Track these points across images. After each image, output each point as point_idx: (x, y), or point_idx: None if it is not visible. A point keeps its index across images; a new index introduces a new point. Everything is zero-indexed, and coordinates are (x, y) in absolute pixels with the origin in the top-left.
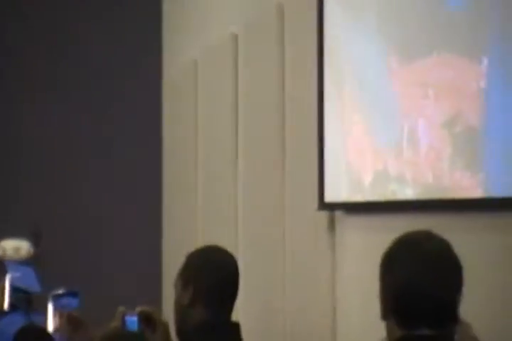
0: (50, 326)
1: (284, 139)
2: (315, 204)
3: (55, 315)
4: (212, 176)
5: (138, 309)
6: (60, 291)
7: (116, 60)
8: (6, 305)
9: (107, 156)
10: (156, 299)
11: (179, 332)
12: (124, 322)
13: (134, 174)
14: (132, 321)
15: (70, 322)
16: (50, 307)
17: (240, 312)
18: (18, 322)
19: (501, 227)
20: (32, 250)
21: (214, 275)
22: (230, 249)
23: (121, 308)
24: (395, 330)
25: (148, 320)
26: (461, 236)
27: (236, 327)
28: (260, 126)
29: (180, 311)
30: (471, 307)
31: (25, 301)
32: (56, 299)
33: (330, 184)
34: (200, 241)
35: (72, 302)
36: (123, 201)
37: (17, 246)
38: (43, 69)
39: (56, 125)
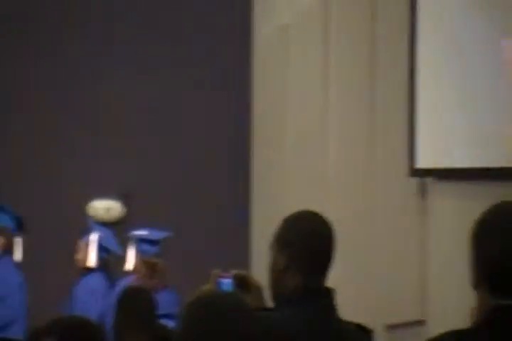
0: (128, 266)
1: (375, 104)
2: (406, 170)
3: (135, 257)
4: (301, 139)
5: (233, 272)
6: (143, 233)
7: (206, 25)
8: (92, 262)
9: (201, 118)
10: (245, 263)
11: (274, 296)
12: (218, 284)
13: (224, 134)
14: (226, 283)
15: (147, 268)
16: (131, 249)
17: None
18: (104, 280)
19: None
20: (122, 211)
21: (310, 240)
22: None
23: (215, 271)
24: (486, 299)
25: (242, 283)
26: None
27: (331, 292)
28: (350, 90)
29: (275, 276)
30: None
31: (107, 260)
32: (138, 242)
33: (421, 150)
34: (289, 204)
35: (152, 248)
36: (211, 161)
37: (108, 207)
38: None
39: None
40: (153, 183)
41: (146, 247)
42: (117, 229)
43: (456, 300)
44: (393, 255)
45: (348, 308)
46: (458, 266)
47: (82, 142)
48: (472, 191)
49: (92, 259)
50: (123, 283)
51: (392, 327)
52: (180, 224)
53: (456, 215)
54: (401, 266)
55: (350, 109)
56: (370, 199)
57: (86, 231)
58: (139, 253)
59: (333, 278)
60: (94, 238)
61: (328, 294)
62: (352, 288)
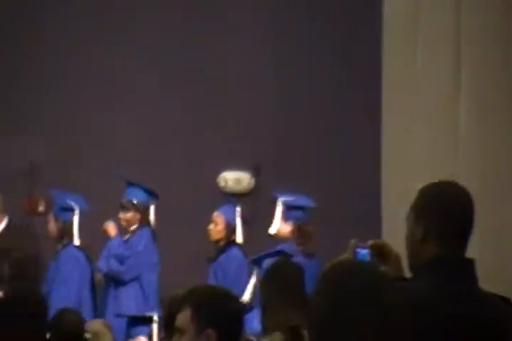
0: (273, 230)
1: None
2: None
3: (283, 222)
4: (430, 108)
5: (369, 242)
6: (293, 199)
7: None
8: (239, 239)
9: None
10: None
11: (412, 266)
12: (355, 254)
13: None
14: (363, 253)
15: (301, 234)
16: (279, 212)
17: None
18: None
19: None
20: (252, 182)
21: (447, 209)
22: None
23: (352, 241)
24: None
25: (381, 253)
26: None
27: (471, 263)
28: (483, 64)
29: (413, 246)
30: None
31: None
32: (287, 207)
33: None
34: (419, 171)
35: (303, 214)
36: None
37: (238, 178)
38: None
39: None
40: (284, 154)
41: (296, 213)
42: (247, 200)
43: None
44: None
45: (488, 282)
46: None
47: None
48: None
49: (238, 235)
50: (279, 247)
51: None
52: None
53: None
54: None
55: (483, 83)
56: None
57: (219, 203)
58: (289, 218)
59: (473, 251)
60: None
61: (467, 265)
62: (493, 260)
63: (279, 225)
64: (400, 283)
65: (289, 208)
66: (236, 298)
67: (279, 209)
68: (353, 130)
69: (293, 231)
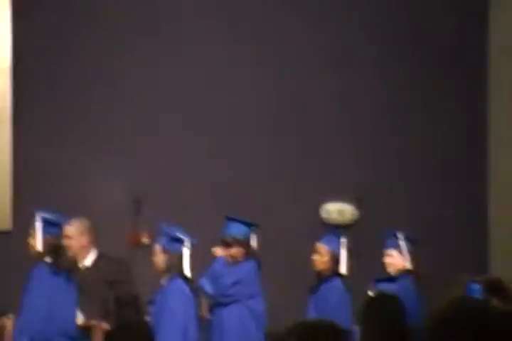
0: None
1: None
2: None
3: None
4: None
5: (481, 276)
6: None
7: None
8: (343, 270)
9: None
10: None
11: None
12: (466, 289)
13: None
14: (475, 289)
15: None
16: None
17: None
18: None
19: None
20: (355, 213)
21: None
22: None
23: (463, 275)
24: None
25: (496, 289)
26: None
27: None
28: None
29: None
30: None
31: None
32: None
33: None
34: None
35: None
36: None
37: (341, 209)
38: None
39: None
40: (385, 185)
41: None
42: (350, 231)
43: None
44: None
45: None
46: None
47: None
48: None
49: (342, 266)
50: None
51: None
52: (415, 227)
53: None
54: None
55: None
56: None
57: (324, 234)
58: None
59: None
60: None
61: None
62: None
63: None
64: None
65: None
66: (344, 331)
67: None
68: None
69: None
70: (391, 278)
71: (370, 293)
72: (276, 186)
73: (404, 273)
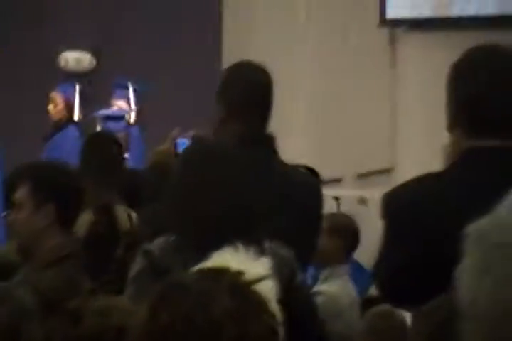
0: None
1: None
2: (376, 21)
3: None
4: None
5: (191, 132)
6: (108, 113)
7: None
8: (75, 116)
9: None
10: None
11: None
12: (175, 144)
13: None
14: (183, 143)
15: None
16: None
17: (299, 131)
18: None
19: None
20: (93, 63)
21: (244, 89)
22: (297, 55)
23: (174, 131)
24: (462, 141)
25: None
26: None
27: (271, 139)
28: None
29: (216, 127)
30: None
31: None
32: (104, 121)
33: (392, 1)
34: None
35: (119, 124)
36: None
37: (79, 58)
38: None
39: None
40: (123, 37)
41: (112, 124)
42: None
43: (422, 148)
44: (363, 105)
45: (320, 158)
46: (425, 115)
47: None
48: (441, 41)
49: (75, 113)
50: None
51: (362, 176)
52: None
53: (425, 64)
54: (371, 116)
55: None
56: (342, 48)
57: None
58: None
59: (306, 130)
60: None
61: (268, 140)
62: (323, 138)
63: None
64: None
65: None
66: (75, 174)
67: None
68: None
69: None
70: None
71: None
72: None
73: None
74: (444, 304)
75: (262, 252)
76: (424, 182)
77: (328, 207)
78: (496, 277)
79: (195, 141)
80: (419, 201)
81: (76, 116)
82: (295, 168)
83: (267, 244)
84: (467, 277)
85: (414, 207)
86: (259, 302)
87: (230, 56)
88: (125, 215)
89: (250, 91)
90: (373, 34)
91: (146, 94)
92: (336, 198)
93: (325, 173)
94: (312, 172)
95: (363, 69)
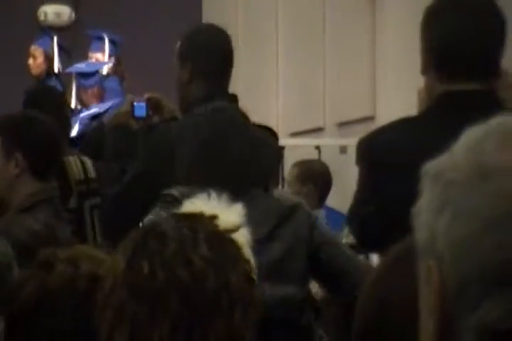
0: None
1: None
2: None
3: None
4: None
5: (146, 95)
6: (82, 69)
7: None
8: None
9: None
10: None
11: (181, 106)
12: (132, 107)
13: None
14: (140, 106)
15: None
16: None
17: (281, 83)
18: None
19: None
20: (73, 16)
21: (208, 50)
22: (270, 18)
23: (130, 95)
24: (436, 85)
25: (155, 106)
26: None
27: (234, 97)
28: None
29: (182, 88)
30: None
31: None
32: (77, 77)
33: None
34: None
35: (92, 80)
36: None
37: (58, 12)
38: None
39: None
40: None
41: (83, 81)
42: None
43: (403, 96)
44: (342, 53)
45: (301, 108)
46: (405, 62)
47: None
48: None
49: (55, 66)
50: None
51: (343, 124)
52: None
53: (405, 7)
54: (351, 64)
55: None
56: (324, 2)
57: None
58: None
59: (287, 81)
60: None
61: (231, 99)
62: (305, 89)
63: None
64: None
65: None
66: (48, 123)
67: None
68: None
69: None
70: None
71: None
72: None
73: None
74: (403, 243)
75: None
76: (399, 127)
77: (310, 156)
78: (452, 213)
79: (151, 104)
80: (393, 145)
81: (56, 69)
82: (259, 127)
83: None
84: (424, 215)
85: (389, 151)
86: (235, 250)
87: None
88: (77, 164)
89: (212, 54)
90: None
91: (123, 46)
92: (317, 147)
93: (306, 123)
94: (270, 131)
95: (342, 18)
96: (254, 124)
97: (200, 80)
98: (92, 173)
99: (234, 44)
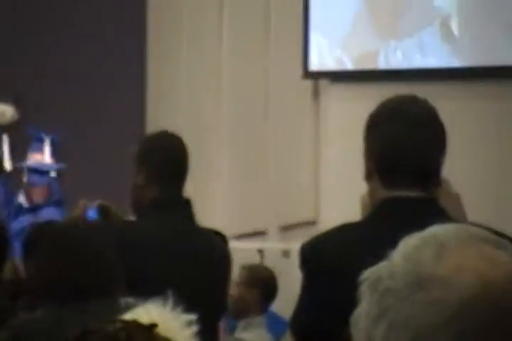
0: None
1: (269, 6)
2: (300, 72)
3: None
4: (196, 42)
5: (97, 202)
6: (36, 165)
7: None
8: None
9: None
10: None
11: (135, 209)
12: (85, 211)
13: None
14: (92, 212)
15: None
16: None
17: (222, 184)
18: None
19: (485, 95)
20: (15, 116)
21: (163, 156)
22: (214, 112)
23: (82, 201)
24: (379, 191)
25: (104, 212)
26: (449, 104)
27: (188, 202)
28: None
29: (135, 192)
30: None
31: None
32: (29, 173)
33: (315, 52)
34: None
35: (43, 178)
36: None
37: (2, 111)
38: None
39: None
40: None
41: (35, 178)
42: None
43: (346, 200)
44: (286, 158)
45: (245, 211)
46: (347, 167)
47: None
48: (364, 92)
49: (6, 164)
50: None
51: (286, 228)
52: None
53: (348, 116)
54: (294, 168)
55: (244, 16)
56: (265, 100)
57: None
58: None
59: (229, 183)
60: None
61: (185, 203)
62: (247, 191)
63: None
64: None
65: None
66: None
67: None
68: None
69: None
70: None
71: None
72: None
73: None
74: None
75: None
76: (341, 233)
77: (252, 260)
78: (389, 322)
79: (101, 210)
80: (334, 251)
81: (7, 167)
82: (206, 232)
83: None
84: (362, 322)
85: (330, 257)
86: None
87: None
88: (9, 264)
89: (168, 159)
90: (297, 85)
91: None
92: (260, 251)
93: (248, 226)
94: (221, 236)
95: (286, 120)
96: (204, 229)
97: (154, 183)
98: (22, 273)
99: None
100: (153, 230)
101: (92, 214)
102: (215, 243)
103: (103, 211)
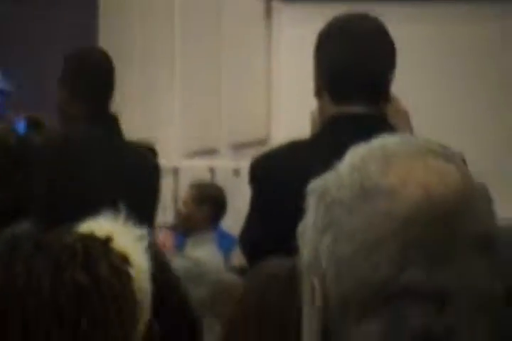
0: None
1: None
2: None
3: None
4: None
5: (26, 114)
6: None
7: None
8: None
9: None
10: None
11: (61, 126)
12: (13, 125)
13: None
14: (20, 125)
15: None
16: None
17: (175, 102)
18: None
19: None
20: None
21: (87, 73)
22: (166, 28)
23: (10, 113)
24: (328, 107)
25: (35, 124)
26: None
27: (115, 117)
28: None
29: (61, 108)
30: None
31: None
32: None
33: None
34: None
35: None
36: None
37: None
38: None
39: None
40: None
41: None
42: None
43: (297, 119)
44: (238, 76)
45: (197, 129)
46: (299, 86)
47: None
48: (317, 12)
49: None
50: None
51: (238, 147)
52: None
53: (301, 35)
54: (246, 88)
55: None
56: (218, 17)
57: None
58: None
59: (182, 101)
60: None
61: (112, 119)
62: (198, 110)
63: None
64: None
65: None
66: None
67: None
68: None
69: None
70: None
71: None
72: None
73: None
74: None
75: None
76: (289, 149)
77: (203, 178)
78: (335, 234)
79: (30, 122)
80: (283, 167)
81: None
82: (134, 147)
83: None
84: (309, 233)
85: (278, 173)
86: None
87: None
88: None
89: (91, 76)
90: (249, 5)
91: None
92: (211, 169)
93: (200, 144)
94: (152, 151)
95: (239, 41)
96: (133, 143)
97: (80, 100)
98: None
99: (129, 67)
100: (84, 145)
101: (20, 126)
102: (146, 157)
103: (33, 123)
